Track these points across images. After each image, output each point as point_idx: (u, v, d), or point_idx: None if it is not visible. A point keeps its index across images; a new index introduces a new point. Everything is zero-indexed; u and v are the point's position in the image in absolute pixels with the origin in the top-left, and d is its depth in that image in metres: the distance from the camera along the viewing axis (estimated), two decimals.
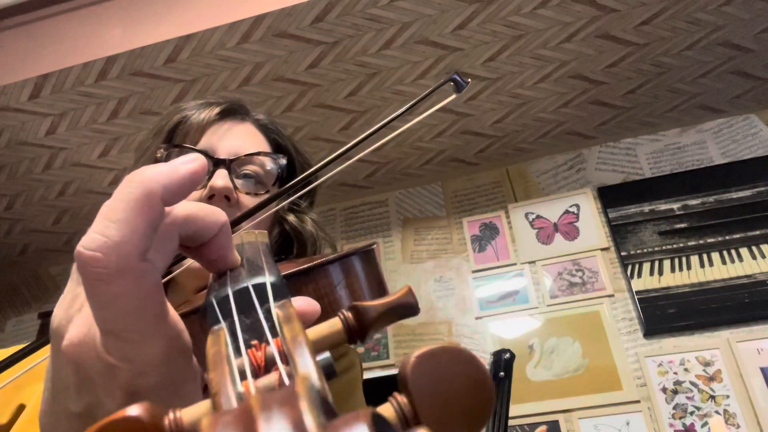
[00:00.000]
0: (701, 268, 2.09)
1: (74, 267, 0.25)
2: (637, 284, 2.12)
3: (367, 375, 2.53)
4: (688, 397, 1.91)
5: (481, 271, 2.34)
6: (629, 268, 2.16)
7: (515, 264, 2.31)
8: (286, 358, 0.19)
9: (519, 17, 1.88)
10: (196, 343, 0.26)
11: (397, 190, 2.65)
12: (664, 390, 1.94)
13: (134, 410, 0.17)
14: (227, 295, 0.23)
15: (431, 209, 2.57)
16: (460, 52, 2.00)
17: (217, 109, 0.68)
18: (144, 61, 1.88)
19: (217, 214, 0.27)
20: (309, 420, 0.13)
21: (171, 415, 0.18)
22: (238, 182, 0.64)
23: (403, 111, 0.60)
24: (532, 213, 2.40)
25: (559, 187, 2.45)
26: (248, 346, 0.21)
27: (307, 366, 0.18)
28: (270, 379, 0.19)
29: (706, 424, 1.86)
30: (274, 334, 0.21)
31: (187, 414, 0.18)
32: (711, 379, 1.93)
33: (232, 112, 0.70)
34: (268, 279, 0.24)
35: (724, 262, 2.08)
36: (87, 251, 0.21)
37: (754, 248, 2.08)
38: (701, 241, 2.14)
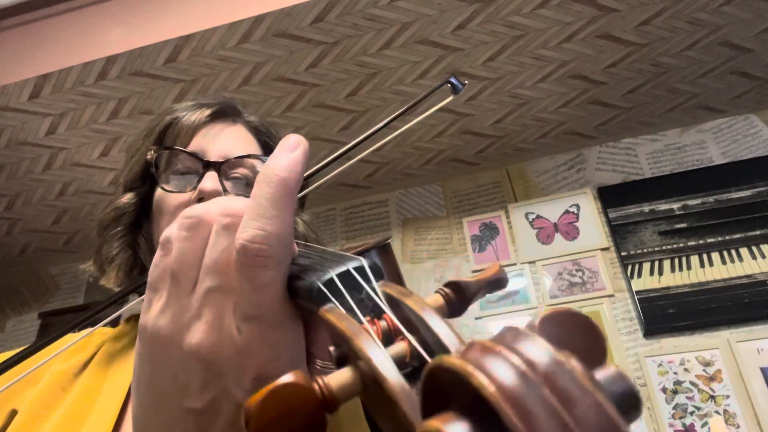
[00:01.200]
0: (701, 268, 2.09)
1: (165, 279, 0.28)
2: (637, 284, 2.12)
3: None
4: (688, 397, 1.91)
5: (481, 271, 2.34)
6: (629, 268, 2.16)
7: (515, 264, 2.31)
8: (411, 326, 0.21)
9: (519, 17, 1.88)
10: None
11: (397, 190, 2.65)
12: (664, 390, 1.94)
13: (290, 377, 0.19)
14: (332, 278, 0.25)
15: (431, 209, 2.57)
16: (460, 52, 2.00)
17: (207, 111, 0.68)
18: (144, 61, 1.88)
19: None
20: (558, 353, 0.14)
21: (320, 381, 0.19)
22: (228, 185, 0.64)
23: (401, 113, 0.60)
24: (532, 213, 2.40)
25: (559, 187, 2.45)
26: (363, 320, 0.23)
27: (445, 330, 0.19)
28: (400, 347, 0.21)
29: (706, 424, 1.86)
30: (384, 310, 0.23)
31: (333, 380, 0.20)
32: (711, 379, 1.93)
33: (223, 113, 0.70)
34: (364, 262, 0.26)
35: (724, 262, 2.08)
36: (254, 244, 0.25)
37: (754, 248, 2.08)
38: (701, 241, 2.14)
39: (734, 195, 2.18)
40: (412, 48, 1.96)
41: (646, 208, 2.25)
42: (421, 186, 2.63)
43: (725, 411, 1.86)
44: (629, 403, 0.15)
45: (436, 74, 2.09)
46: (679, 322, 2.02)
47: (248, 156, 0.67)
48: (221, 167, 0.64)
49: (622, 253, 2.19)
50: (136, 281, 0.64)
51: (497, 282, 0.26)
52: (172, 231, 0.29)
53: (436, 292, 0.25)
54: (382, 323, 0.23)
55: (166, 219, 0.63)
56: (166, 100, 2.03)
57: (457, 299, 0.25)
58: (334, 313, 0.23)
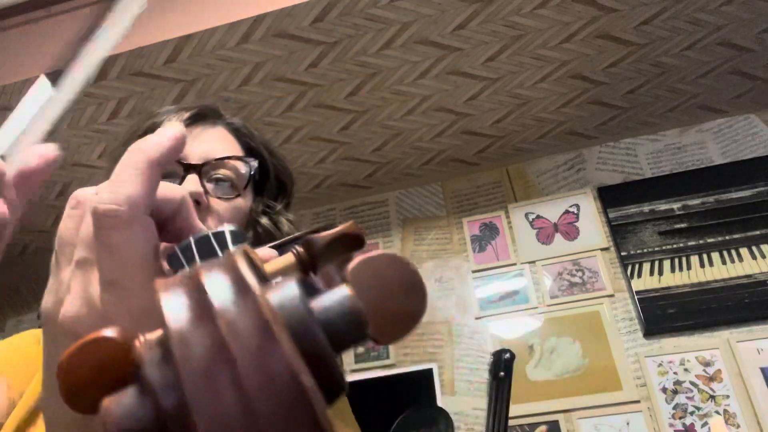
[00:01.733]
0: (701, 268, 2.09)
1: (54, 258, 0.28)
2: (637, 284, 2.12)
3: (366, 375, 2.52)
4: (688, 397, 1.91)
5: (481, 271, 2.34)
6: (629, 268, 2.16)
7: (515, 264, 2.31)
8: None
9: (519, 17, 1.88)
10: None
11: (397, 190, 2.65)
12: (664, 390, 1.94)
13: (109, 332, 0.18)
14: (189, 243, 0.25)
15: (431, 209, 2.57)
16: (460, 52, 2.00)
17: (187, 114, 0.68)
18: (144, 61, 1.88)
19: (177, 189, 0.30)
20: (248, 276, 0.15)
21: (142, 337, 0.18)
22: (209, 186, 0.64)
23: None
24: (532, 213, 2.40)
25: (559, 187, 2.45)
26: None
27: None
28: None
29: (706, 424, 1.86)
30: None
31: (155, 335, 0.18)
32: (711, 379, 1.93)
33: (203, 116, 0.70)
34: (227, 228, 0.26)
35: (724, 262, 2.08)
36: (103, 205, 0.25)
37: (754, 248, 2.08)
38: (701, 241, 2.14)
39: (734, 195, 2.18)
40: (412, 48, 1.96)
41: (646, 208, 2.25)
42: (421, 186, 2.63)
43: (725, 411, 1.86)
44: (341, 320, 0.16)
45: (436, 74, 2.09)
46: (679, 322, 2.02)
47: (229, 157, 0.67)
48: (202, 169, 0.64)
49: (622, 253, 2.19)
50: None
51: (350, 237, 0.25)
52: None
53: (291, 249, 0.24)
54: None
55: None
56: (166, 100, 2.03)
57: (307, 254, 0.24)
58: (165, 280, 0.22)
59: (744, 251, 2.08)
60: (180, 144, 0.28)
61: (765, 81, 2.25)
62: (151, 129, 0.67)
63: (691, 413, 1.89)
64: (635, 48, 2.05)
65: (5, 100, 1.97)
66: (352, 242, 0.25)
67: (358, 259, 0.19)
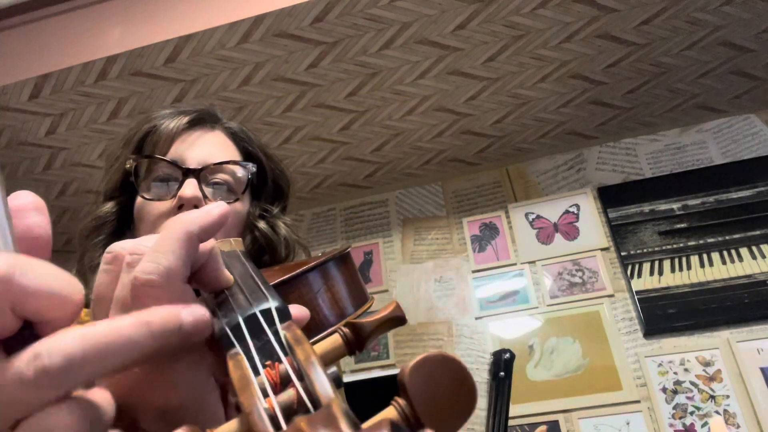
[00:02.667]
0: (701, 268, 2.09)
1: (92, 307, 0.28)
2: (637, 284, 2.12)
3: (367, 375, 2.53)
4: (688, 397, 1.91)
5: (481, 271, 2.34)
6: (629, 268, 2.16)
7: (515, 264, 2.31)
8: (300, 374, 0.22)
9: (519, 17, 1.88)
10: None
11: (397, 190, 2.65)
12: (664, 390, 1.94)
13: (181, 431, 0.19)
14: (238, 323, 0.26)
15: (431, 209, 2.57)
16: (460, 52, 2.00)
17: (186, 119, 0.68)
18: (144, 61, 1.88)
19: (206, 243, 0.30)
20: None
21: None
22: (208, 191, 0.65)
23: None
24: (532, 213, 2.40)
25: (559, 187, 2.45)
26: (263, 366, 0.24)
27: (323, 382, 0.21)
28: (288, 394, 0.22)
29: (706, 424, 1.86)
30: (285, 354, 0.24)
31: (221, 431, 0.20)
32: (711, 379, 1.93)
33: (201, 120, 0.70)
34: (272, 304, 0.27)
35: (724, 262, 2.08)
36: (144, 275, 0.26)
37: (754, 248, 2.08)
38: (701, 241, 2.14)
39: (734, 195, 2.18)
40: (412, 48, 1.96)
41: (646, 208, 2.25)
42: (421, 186, 2.63)
43: (725, 411, 1.86)
44: None
45: (436, 74, 2.09)
46: (679, 322, 2.02)
47: (227, 162, 0.67)
48: (200, 174, 0.64)
49: (622, 253, 2.19)
50: None
51: (393, 321, 0.27)
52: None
53: (337, 330, 0.26)
54: (281, 368, 0.24)
55: (147, 227, 0.63)
56: (166, 100, 2.03)
57: (355, 339, 0.26)
58: (234, 359, 0.24)
59: (744, 251, 2.08)
60: (223, 221, 0.30)
61: (765, 81, 2.25)
62: (151, 133, 0.67)
63: (691, 413, 1.89)
64: (635, 48, 2.05)
65: (5, 100, 1.97)
66: (395, 323, 0.27)
67: (412, 363, 0.20)
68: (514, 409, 1.99)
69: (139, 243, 0.29)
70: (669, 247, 2.16)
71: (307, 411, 0.21)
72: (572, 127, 2.42)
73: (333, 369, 0.23)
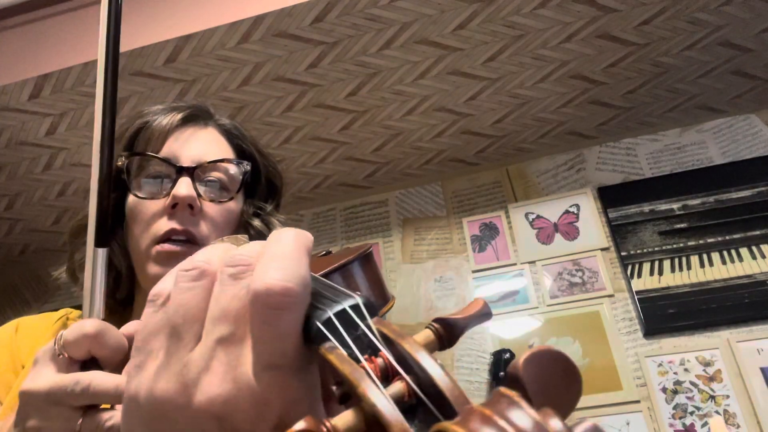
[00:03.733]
0: (701, 268, 2.09)
1: (161, 337, 0.26)
2: (637, 284, 2.12)
3: None
4: (688, 397, 1.91)
5: (481, 271, 2.34)
6: (629, 268, 2.16)
7: (515, 264, 2.31)
8: (406, 366, 0.23)
9: (519, 17, 1.88)
10: None
11: (397, 190, 2.65)
12: (664, 390, 1.94)
13: (302, 425, 0.20)
14: (330, 317, 0.25)
15: (431, 209, 2.57)
16: (460, 52, 2.00)
17: (179, 115, 0.67)
18: (144, 61, 1.88)
19: None
20: (541, 418, 0.17)
21: (327, 424, 0.21)
22: (202, 189, 0.64)
23: None
24: (532, 213, 2.40)
25: (559, 187, 2.45)
26: (363, 359, 0.24)
27: (438, 371, 0.22)
28: (398, 386, 0.22)
29: (706, 424, 1.86)
30: (382, 347, 0.25)
31: (340, 422, 0.21)
32: (711, 379, 1.93)
33: (194, 117, 0.69)
34: (359, 300, 0.27)
35: (724, 262, 2.08)
36: (279, 284, 0.24)
37: (754, 248, 2.08)
38: (701, 241, 2.14)
39: (734, 195, 2.18)
40: (412, 48, 1.96)
41: (646, 208, 2.25)
42: (421, 186, 2.63)
43: (725, 411, 1.86)
44: None
45: (436, 74, 2.09)
46: (679, 322, 2.02)
47: (221, 160, 0.67)
48: (194, 172, 0.63)
49: (622, 253, 2.19)
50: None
51: (483, 317, 0.28)
52: (164, 286, 0.27)
53: (427, 327, 0.26)
54: (379, 361, 0.24)
55: (140, 226, 0.63)
56: (166, 100, 2.03)
57: (447, 335, 0.26)
58: (334, 353, 0.24)
59: (744, 251, 2.08)
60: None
61: (765, 81, 2.25)
62: (143, 129, 0.67)
63: (691, 413, 1.89)
64: (635, 48, 2.05)
65: (5, 100, 1.97)
66: (483, 320, 0.28)
67: (526, 356, 0.21)
68: None
69: (233, 253, 0.27)
70: (669, 247, 2.16)
71: (420, 402, 0.22)
72: (572, 127, 2.42)
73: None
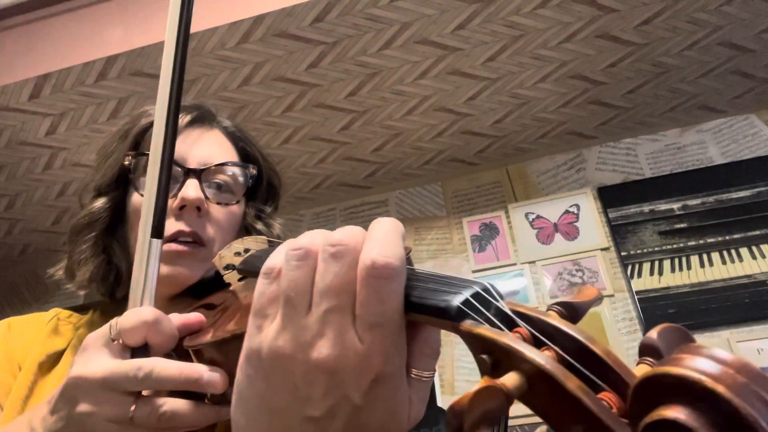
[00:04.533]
0: (701, 268, 2.09)
1: (275, 304, 0.32)
2: (637, 284, 2.12)
3: None
4: None
5: (481, 271, 2.34)
6: (629, 268, 2.16)
7: (515, 264, 2.31)
8: (551, 336, 0.27)
9: (519, 17, 1.88)
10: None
11: (397, 190, 2.65)
12: None
13: (485, 382, 0.23)
14: (467, 299, 0.29)
15: (431, 209, 2.57)
16: (460, 52, 2.00)
17: (187, 117, 0.68)
18: (144, 61, 1.88)
19: None
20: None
21: (499, 382, 0.24)
22: (209, 192, 0.65)
23: None
24: (532, 213, 2.40)
25: (559, 187, 2.45)
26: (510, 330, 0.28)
27: (584, 337, 0.26)
28: (547, 354, 0.25)
29: None
30: (520, 323, 0.28)
31: (508, 381, 0.24)
32: None
33: (200, 119, 0.70)
34: (486, 283, 0.31)
35: (724, 262, 2.08)
36: (383, 258, 0.29)
37: (754, 248, 2.08)
38: (701, 241, 2.14)
39: (734, 195, 2.18)
40: (412, 48, 1.96)
41: (646, 208, 2.25)
42: (421, 186, 2.63)
43: None
44: None
45: (436, 74, 2.09)
46: (679, 322, 2.00)
47: (228, 163, 0.68)
48: (202, 174, 0.64)
49: (622, 253, 2.19)
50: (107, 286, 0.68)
51: (597, 301, 0.31)
52: (276, 261, 0.33)
53: (549, 309, 0.29)
54: (523, 331, 0.28)
55: None
56: None
57: (570, 316, 0.29)
58: (481, 327, 0.28)
59: (744, 251, 2.08)
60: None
61: (765, 81, 2.25)
62: (148, 128, 0.67)
63: None
64: (635, 48, 2.05)
65: (5, 100, 1.97)
66: (597, 304, 0.31)
67: (657, 329, 0.27)
68: (515, 409, 1.99)
69: (330, 235, 0.32)
70: (669, 247, 2.16)
71: (570, 368, 0.25)
72: (572, 127, 2.42)
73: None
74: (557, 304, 0.29)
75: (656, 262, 2.14)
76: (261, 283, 0.33)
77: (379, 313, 0.29)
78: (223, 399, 0.44)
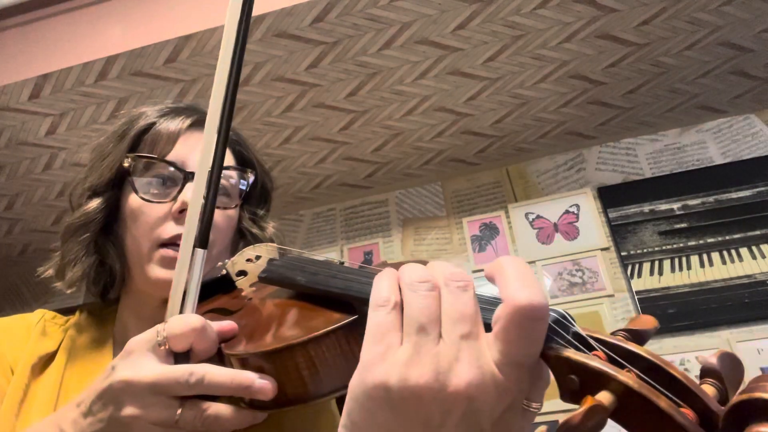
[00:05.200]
0: (701, 268, 2.09)
1: (397, 333, 0.32)
2: (637, 284, 2.12)
3: None
4: None
5: (481, 271, 2.34)
6: (629, 268, 2.16)
7: None
8: (629, 359, 0.30)
9: (519, 17, 1.88)
10: None
11: (397, 190, 2.65)
12: None
13: (590, 402, 0.27)
14: (550, 324, 0.31)
15: (431, 209, 2.57)
16: (460, 52, 2.00)
17: (188, 121, 0.68)
18: (144, 61, 1.88)
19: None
20: None
21: (596, 400, 0.27)
22: None
23: None
24: (532, 213, 2.40)
25: (559, 187, 2.45)
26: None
27: (656, 357, 0.30)
28: (630, 374, 0.29)
29: None
30: (595, 346, 0.31)
31: (603, 399, 0.27)
32: None
33: (200, 122, 0.69)
34: (564, 311, 0.34)
35: (724, 262, 2.08)
36: (536, 301, 0.30)
37: (754, 248, 2.07)
38: (701, 241, 2.14)
39: (734, 195, 2.18)
40: (412, 48, 1.96)
41: (646, 208, 2.25)
42: (421, 186, 2.63)
43: None
44: None
45: (436, 74, 2.09)
46: (679, 322, 2.02)
47: (227, 168, 0.67)
48: None
49: (622, 253, 2.19)
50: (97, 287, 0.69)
51: (655, 330, 0.35)
52: (388, 293, 0.34)
53: (615, 334, 0.32)
54: (602, 354, 0.30)
55: (143, 228, 0.63)
56: (166, 100, 2.03)
57: (635, 340, 0.32)
58: (568, 351, 0.30)
59: (744, 251, 2.08)
60: None
61: (765, 81, 2.25)
62: (148, 130, 0.67)
63: None
64: (635, 48, 2.05)
65: (5, 100, 1.97)
66: (654, 333, 0.34)
67: (717, 355, 0.31)
68: None
69: (452, 270, 0.34)
70: (669, 247, 2.16)
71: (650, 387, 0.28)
72: (572, 127, 2.42)
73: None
74: (622, 330, 0.33)
75: (656, 262, 2.14)
76: (377, 312, 0.34)
77: (526, 353, 0.30)
78: (260, 404, 0.45)
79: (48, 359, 0.64)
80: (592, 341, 0.31)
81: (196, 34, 1.81)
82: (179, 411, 0.44)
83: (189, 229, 0.53)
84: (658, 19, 1.94)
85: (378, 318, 0.33)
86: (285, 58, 1.94)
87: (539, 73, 2.13)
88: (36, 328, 0.67)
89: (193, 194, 0.54)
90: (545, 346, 0.31)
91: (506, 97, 2.23)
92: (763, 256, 2.05)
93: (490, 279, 0.34)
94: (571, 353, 0.30)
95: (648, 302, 2.07)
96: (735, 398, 0.24)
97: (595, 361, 0.29)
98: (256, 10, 1.77)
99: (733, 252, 2.09)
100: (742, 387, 0.26)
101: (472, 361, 0.30)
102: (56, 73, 1.90)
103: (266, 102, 2.12)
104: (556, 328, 0.32)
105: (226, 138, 0.56)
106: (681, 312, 2.03)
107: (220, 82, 0.57)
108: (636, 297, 2.08)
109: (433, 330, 0.31)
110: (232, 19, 0.57)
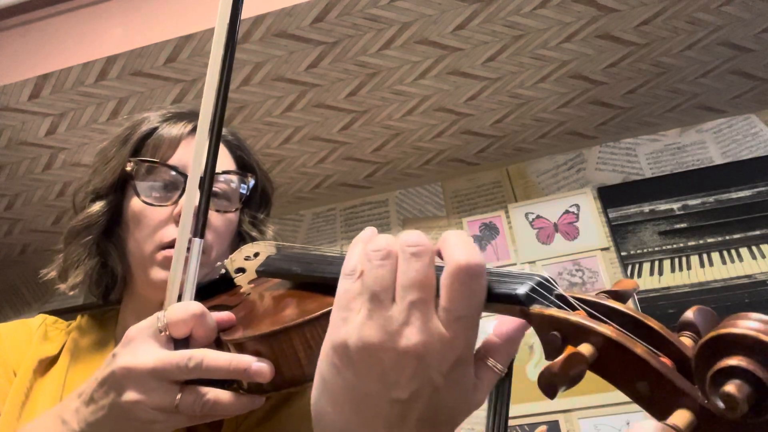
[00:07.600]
0: (701, 268, 2.09)
1: (360, 299, 0.35)
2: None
3: None
4: None
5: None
6: (629, 268, 2.16)
7: (515, 264, 2.31)
8: (609, 317, 0.32)
9: (519, 17, 1.88)
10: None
11: (397, 190, 2.65)
12: None
13: (568, 352, 0.28)
14: (534, 287, 0.34)
15: (431, 209, 2.57)
16: (460, 52, 2.00)
17: (190, 126, 0.69)
18: (144, 61, 1.88)
19: None
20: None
21: (578, 351, 0.29)
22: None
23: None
24: (532, 213, 2.40)
25: (559, 187, 2.45)
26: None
27: (638, 313, 0.31)
28: (610, 327, 0.30)
29: None
30: (577, 305, 0.33)
31: (584, 351, 0.30)
32: None
33: None
34: (545, 274, 0.36)
35: (724, 262, 2.08)
36: (474, 260, 0.33)
37: (754, 248, 2.08)
38: (701, 241, 2.14)
39: (734, 195, 2.18)
40: (412, 48, 1.96)
41: (646, 208, 2.25)
42: (421, 186, 2.63)
43: None
44: None
45: (436, 74, 2.09)
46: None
47: (228, 172, 0.69)
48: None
49: (622, 253, 2.19)
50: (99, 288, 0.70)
51: (635, 292, 0.37)
52: (355, 261, 0.36)
53: (597, 295, 0.34)
54: (584, 313, 0.32)
55: (145, 231, 0.64)
56: (166, 100, 2.03)
57: (617, 300, 0.34)
58: (550, 309, 0.32)
59: (744, 251, 2.08)
60: None
61: (765, 81, 2.25)
62: (151, 135, 0.68)
63: None
64: (635, 48, 2.05)
65: (5, 100, 1.97)
66: (634, 293, 0.38)
67: (693, 309, 0.35)
68: (514, 409, 1.99)
69: (408, 238, 0.35)
70: (669, 247, 2.16)
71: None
72: (572, 127, 2.42)
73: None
74: (604, 291, 0.35)
75: (656, 262, 2.14)
76: (344, 281, 0.36)
77: (468, 306, 0.33)
78: (258, 388, 0.46)
79: (50, 362, 0.64)
80: (574, 301, 0.33)
81: (196, 34, 1.81)
82: (179, 396, 0.44)
83: (184, 221, 0.54)
84: (658, 19, 1.94)
85: (345, 286, 0.36)
86: (285, 58, 1.94)
87: (539, 73, 2.13)
88: (38, 333, 0.68)
89: (189, 185, 0.55)
90: (529, 307, 0.33)
91: (506, 97, 2.23)
92: (763, 256, 2.05)
93: (439, 254, 0.36)
94: (553, 311, 0.32)
95: (648, 302, 2.07)
96: (705, 336, 0.25)
97: (575, 316, 0.31)
98: (257, 10, 1.77)
99: (733, 252, 2.09)
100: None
101: (420, 324, 0.32)
102: (56, 73, 1.90)
103: (266, 102, 2.12)
104: (540, 290, 0.34)
105: (221, 125, 0.58)
106: (681, 312, 2.00)
107: (212, 75, 0.58)
108: (636, 297, 2.08)
109: (386, 297, 0.34)
110: (222, 21, 0.58)
